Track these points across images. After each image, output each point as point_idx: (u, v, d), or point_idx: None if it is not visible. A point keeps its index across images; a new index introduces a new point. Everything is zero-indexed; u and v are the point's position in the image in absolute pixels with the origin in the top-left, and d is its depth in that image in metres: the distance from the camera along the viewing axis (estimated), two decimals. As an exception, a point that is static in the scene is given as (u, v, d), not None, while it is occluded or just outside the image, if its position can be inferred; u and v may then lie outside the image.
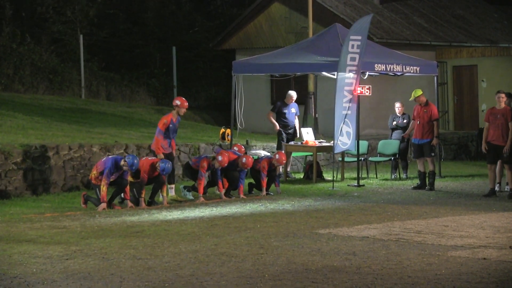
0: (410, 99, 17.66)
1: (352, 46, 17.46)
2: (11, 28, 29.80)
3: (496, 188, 16.51)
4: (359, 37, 17.50)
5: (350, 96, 17.66)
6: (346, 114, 17.64)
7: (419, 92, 17.43)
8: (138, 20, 35.88)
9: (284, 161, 17.01)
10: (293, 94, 19.43)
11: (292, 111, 19.38)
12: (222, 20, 37.36)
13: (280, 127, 19.23)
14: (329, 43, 18.44)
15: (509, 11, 34.31)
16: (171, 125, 15.76)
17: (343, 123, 17.63)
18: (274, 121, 19.31)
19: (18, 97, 25.73)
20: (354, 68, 17.52)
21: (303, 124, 23.16)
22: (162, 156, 15.52)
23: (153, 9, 35.96)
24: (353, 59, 17.47)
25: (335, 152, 18.02)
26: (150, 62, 34.41)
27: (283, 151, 18.08)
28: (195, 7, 37.92)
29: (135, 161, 14.55)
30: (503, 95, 16.13)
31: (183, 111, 15.95)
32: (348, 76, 17.58)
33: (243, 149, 17.16)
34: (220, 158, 15.66)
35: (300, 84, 26.35)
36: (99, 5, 33.12)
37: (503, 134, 15.96)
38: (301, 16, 27.66)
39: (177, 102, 15.99)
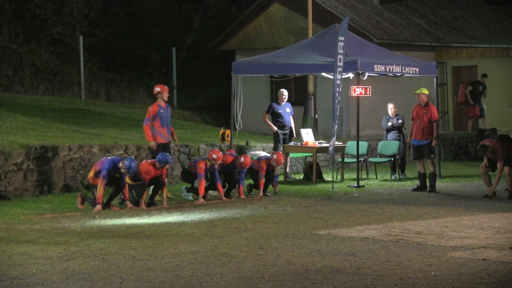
0: (415, 92, 17.63)
1: (339, 48, 17.58)
2: (12, 29, 29.80)
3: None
4: (343, 38, 17.61)
5: (339, 97, 17.77)
6: (336, 116, 17.76)
7: (426, 91, 17.41)
8: (137, 20, 35.89)
9: (283, 161, 17.01)
10: (284, 91, 19.44)
11: (287, 111, 19.35)
12: (221, 21, 37.36)
13: (276, 128, 19.22)
14: (328, 43, 18.45)
15: (508, 12, 34.32)
16: (161, 110, 15.88)
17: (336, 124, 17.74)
18: (270, 123, 19.29)
19: (18, 98, 25.73)
20: (341, 69, 17.63)
21: (303, 125, 23.15)
22: (153, 143, 15.68)
23: (152, 9, 35.96)
24: (340, 60, 17.59)
25: (330, 152, 18.09)
26: (149, 62, 34.42)
27: (279, 152, 18.06)
28: (194, 8, 37.93)
29: (133, 164, 14.56)
30: None
31: (166, 95, 16.13)
32: (338, 78, 17.70)
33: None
34: (214, 155, 15.66)
35: (300, 85, 26.36)
36: (99, 6, 33.10)
37: None
38: (300, 17, 27.67)
39: (157, 89, 16.21)
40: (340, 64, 17.54)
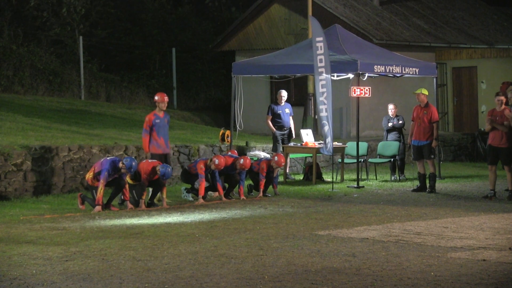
0: (414, 92, 17.65)
1: (318, 48, 17.62)
2: (12, 29, 29.79)
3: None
4: (321, 38, 17.65)
5: (320, 98, 17.82)
6: (324, 116, 17.76)
7: (425, 91, 17.41)
8: (137, 21, 35.88)
9: (283, 163, 17.00)
10: (282, 92, 19.45)
11: (286, 111, 19.35)
12: (221, 22, 37.36)
13: (275, 128, 19.21)
14: (328, 44, 18.47)
15: (508, 12, 34.33)
16: (157, 120, 15.80)
17: (326, 125, 17.73)
18: (272, 126, 19.26)
19: (18, 99, 25.74)
20: (323, 69, 17.62)
21: (303, 125, 23.16)
22: (148, 155, 15.58)
23: (152, 10, 35.95)
24: (321, 60, 17.62)
25: (325, 153, 18.13)
26: (149, 63, 34.40)
27: (280, 153, 18.06)
28: (194, 8, 37.93)
29: (133, 163, 14.55)
30: (502, 97, 16.15)
31: (163, 105, 16.05)
32: (321, 78, 17.70)
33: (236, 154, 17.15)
34: (216, 161, 15.66)
35: (300, 86, 26.38)
36: (101, 7, 33.10)
37: (502, 135, 15.97)
38: (300, 17, 27.67)
39: (156, 97, 16.21)
40: (322, 64, 17.60)
